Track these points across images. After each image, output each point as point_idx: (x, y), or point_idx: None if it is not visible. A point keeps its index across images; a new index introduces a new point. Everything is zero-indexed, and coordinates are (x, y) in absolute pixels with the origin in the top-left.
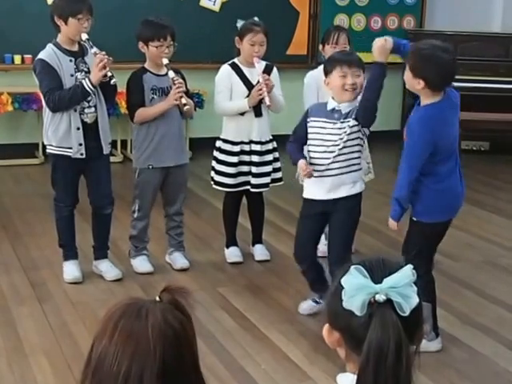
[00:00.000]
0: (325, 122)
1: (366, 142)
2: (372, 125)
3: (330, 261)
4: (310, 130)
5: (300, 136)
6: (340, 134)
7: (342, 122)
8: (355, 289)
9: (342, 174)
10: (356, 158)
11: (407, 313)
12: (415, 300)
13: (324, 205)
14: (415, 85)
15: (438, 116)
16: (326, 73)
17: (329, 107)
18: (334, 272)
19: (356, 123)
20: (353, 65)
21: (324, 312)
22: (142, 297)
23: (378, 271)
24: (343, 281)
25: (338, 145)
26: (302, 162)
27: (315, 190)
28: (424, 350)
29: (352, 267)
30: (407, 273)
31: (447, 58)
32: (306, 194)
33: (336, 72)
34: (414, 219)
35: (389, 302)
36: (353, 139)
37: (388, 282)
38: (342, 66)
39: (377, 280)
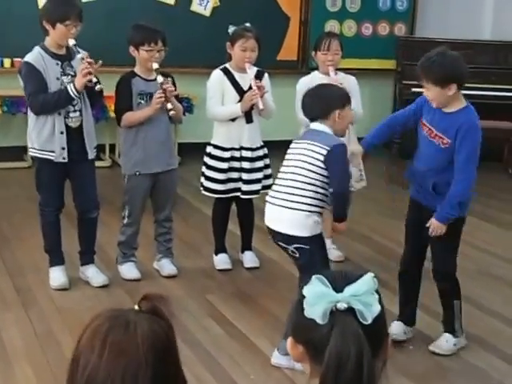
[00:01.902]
0: None
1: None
2: None
3: None
4: None
5: None
6: None
7: None
8: (316, 297)
9: None
10: None
11: (369, 321)
12: (377, 308)
13: None
14: (447, 93)
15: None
16: (339, 106)
17: None
18: None
19: None
20: None
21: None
22: (125, 304)
23: (339, 281)
24: (304, 290)
25: None
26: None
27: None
28: (458, 346)
29: (313, 277)
30: (368, 281)
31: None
32: (317, 231)
33: (349, 108)
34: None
35: (351, 310)
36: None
37: (349, 290)
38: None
39: (338, 289)
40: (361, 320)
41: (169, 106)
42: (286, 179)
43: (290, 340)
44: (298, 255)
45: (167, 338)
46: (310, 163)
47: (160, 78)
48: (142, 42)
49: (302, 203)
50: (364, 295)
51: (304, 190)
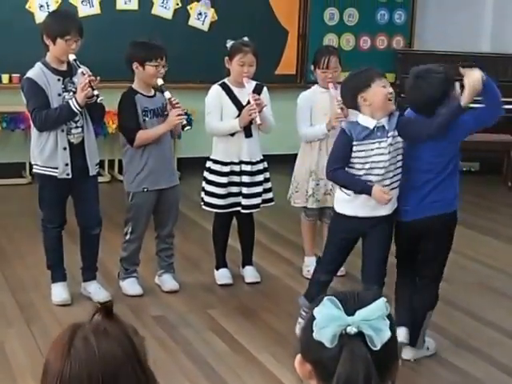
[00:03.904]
0: (371, 143)
1: None
2: None
3: (368, 281)
4: (356, 154)
5: (346, 160)
6: (390, 153)
7: (386, 139)
8: (327, 320)
9: (391, 189)
10: (400, 173)
11: (378, 347)
12: (387, 334)
13: (364, 223)
14: None
15: None
16: (359, 89)
17: (370, 126)
18: None
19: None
20: (384, 76)
21: (296, 342)
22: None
23: (351, 303)
24: (315, 311)
25: (388, 163)
26: (380, 190)
27: (358, 207)
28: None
29: (325, 298)
30: (380, 306)
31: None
32: (345, 211)
33: (376, 84)
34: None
35: (360, 334)
36: (398, 154)
37: (360, 314)
38: (381, 77)
39: (350, 312)
40: (370, 345)
41: (184, 122)
42: None
43: (298, 357)
44: None
45: (112, 354)
46: None
47: (168, 94)
48: (149, 57)
49: None
50: (375, 320)
51: None
